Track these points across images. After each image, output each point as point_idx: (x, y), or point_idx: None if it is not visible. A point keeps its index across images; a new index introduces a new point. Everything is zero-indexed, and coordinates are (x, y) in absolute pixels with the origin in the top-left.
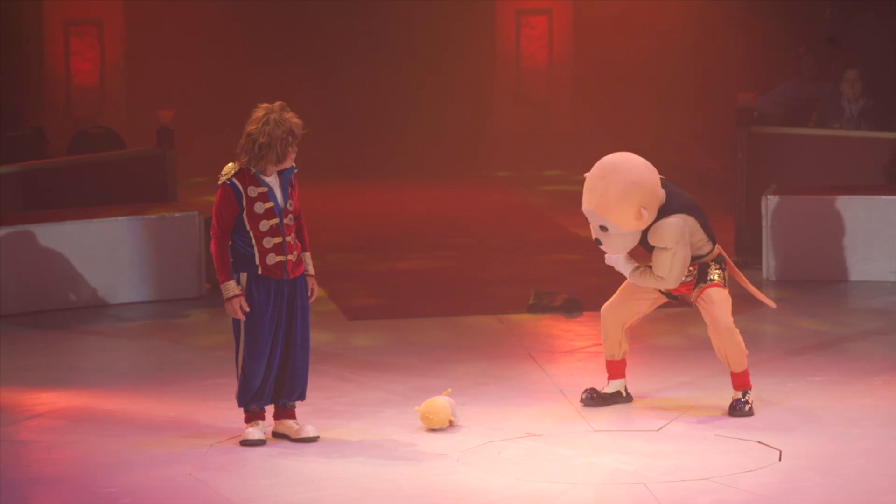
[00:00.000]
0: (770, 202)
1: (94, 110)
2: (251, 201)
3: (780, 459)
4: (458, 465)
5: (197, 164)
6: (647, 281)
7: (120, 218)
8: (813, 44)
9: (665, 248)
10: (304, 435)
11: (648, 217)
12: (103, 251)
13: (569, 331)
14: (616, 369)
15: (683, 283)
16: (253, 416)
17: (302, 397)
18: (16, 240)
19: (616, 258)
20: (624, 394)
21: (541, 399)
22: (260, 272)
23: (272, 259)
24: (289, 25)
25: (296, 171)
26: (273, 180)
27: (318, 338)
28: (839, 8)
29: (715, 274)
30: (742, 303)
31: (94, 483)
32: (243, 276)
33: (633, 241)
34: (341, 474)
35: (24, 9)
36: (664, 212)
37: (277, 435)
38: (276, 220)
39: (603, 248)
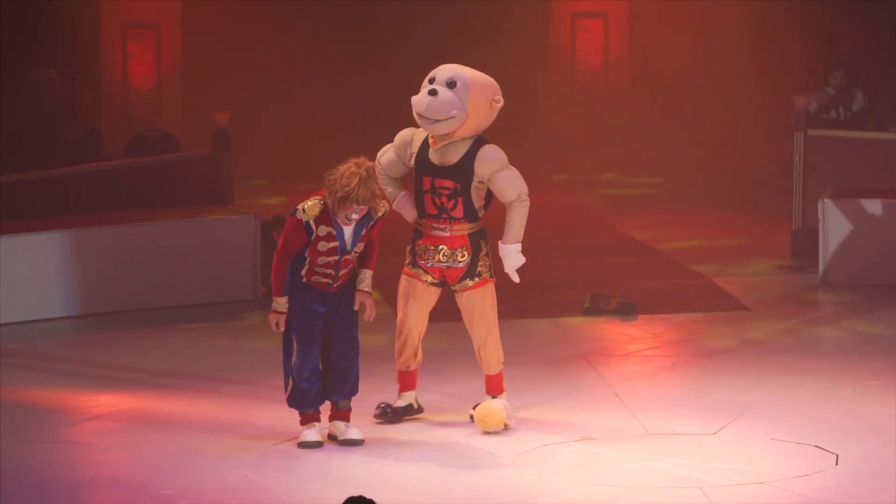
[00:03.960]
0: (827, 205)
1: (150, 113)
2: (318, 239)
3: (836, 464)
4: (512, 469)
5: (253, 166)
6: (522, 221)
7: (176, 220)
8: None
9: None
10: (348, 437)
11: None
12: (159, 253)
13: (624, 334)
14: (410, 380)
15: (455, 268)
16: (308, 419)
17: (353, 392)
18: (72, 242)
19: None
20: (416, 406)
21: (596, 402)
22: (304, 281)
23: (316, 281)
24: (344, 28)
25: (382, 215)
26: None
27: (372, 340)
28: None
29: (486, 268)
30: (799, 307)
31: (151, 485)
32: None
33: None
34: (396, 477)
35: (81, 12)
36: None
37: (330, 437)
38: (334, 258)
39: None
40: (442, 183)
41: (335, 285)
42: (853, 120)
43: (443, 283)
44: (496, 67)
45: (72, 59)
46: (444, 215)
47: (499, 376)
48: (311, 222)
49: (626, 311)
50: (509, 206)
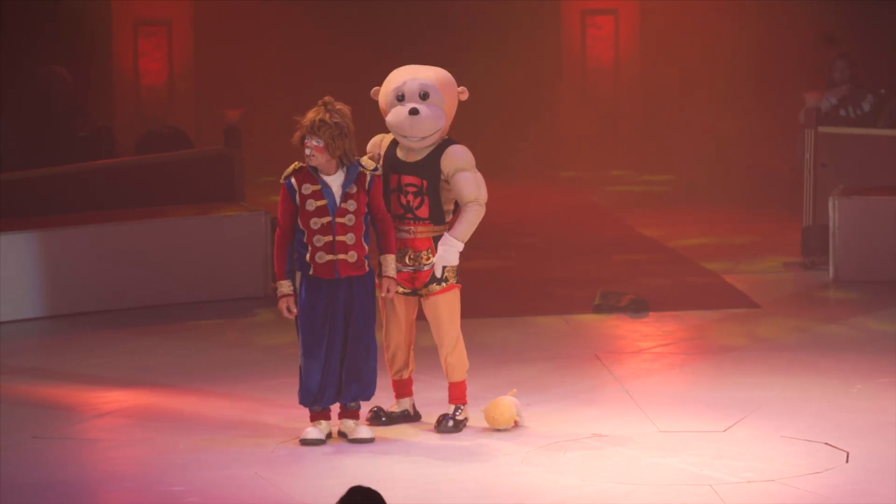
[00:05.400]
0: (838, 203)
1: (162, 110)
2: (304, 198)
3: (847, 461)
4: (523, 466)
5: (264, 163)
6: (473, 224)
7: (187, 217)
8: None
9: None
10: (358, 436)
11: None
12: (170, 250)
13: (635, 331)
14: (405, 388)
15: (421, 271)
16: (316, 416)
17: (366, 397)
18: (84, 239)
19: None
20: (412, 412)
21: (606, 399)
22: (311, 272)
23: (321, 258)
24: (354, 24)
25: (373, 172)
26: (334, 179)
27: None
28: None
29: (452, 273)
30: (810, 304)
31: (161, 481)
32: (298, 275)
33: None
34: (406, 474)
35: (93, 9)
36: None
37: (341, 434)
38: (327, 219)
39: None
40: (408, 180)
41: (339, 260)
42: (863, 118)
43: (416, 292)
44: (506, 64)
45: (83, 56)
46: (410, 215)
47: (462, 384)
48: (292, 180)
49: (637, 308)
50: (464, 206)
